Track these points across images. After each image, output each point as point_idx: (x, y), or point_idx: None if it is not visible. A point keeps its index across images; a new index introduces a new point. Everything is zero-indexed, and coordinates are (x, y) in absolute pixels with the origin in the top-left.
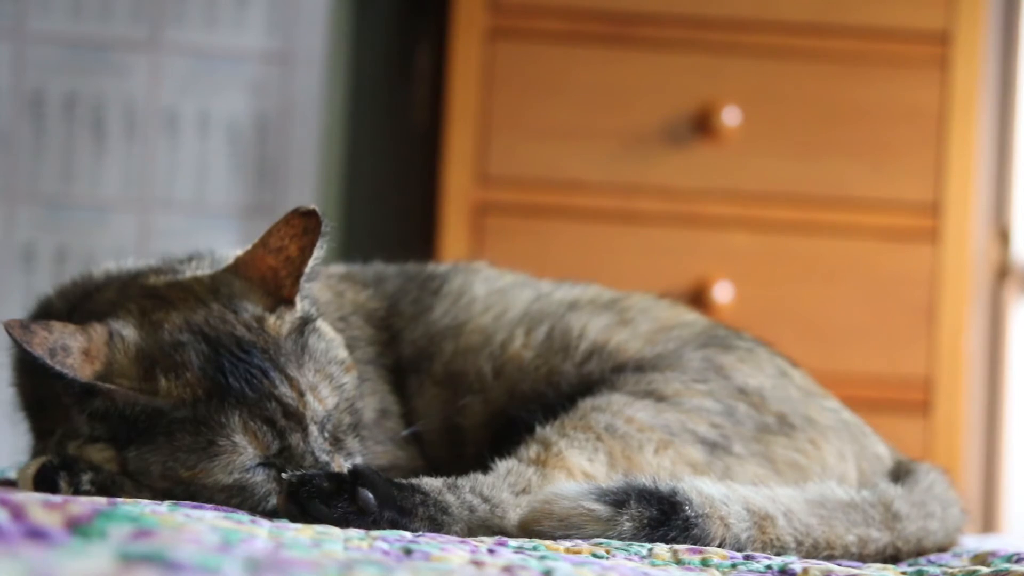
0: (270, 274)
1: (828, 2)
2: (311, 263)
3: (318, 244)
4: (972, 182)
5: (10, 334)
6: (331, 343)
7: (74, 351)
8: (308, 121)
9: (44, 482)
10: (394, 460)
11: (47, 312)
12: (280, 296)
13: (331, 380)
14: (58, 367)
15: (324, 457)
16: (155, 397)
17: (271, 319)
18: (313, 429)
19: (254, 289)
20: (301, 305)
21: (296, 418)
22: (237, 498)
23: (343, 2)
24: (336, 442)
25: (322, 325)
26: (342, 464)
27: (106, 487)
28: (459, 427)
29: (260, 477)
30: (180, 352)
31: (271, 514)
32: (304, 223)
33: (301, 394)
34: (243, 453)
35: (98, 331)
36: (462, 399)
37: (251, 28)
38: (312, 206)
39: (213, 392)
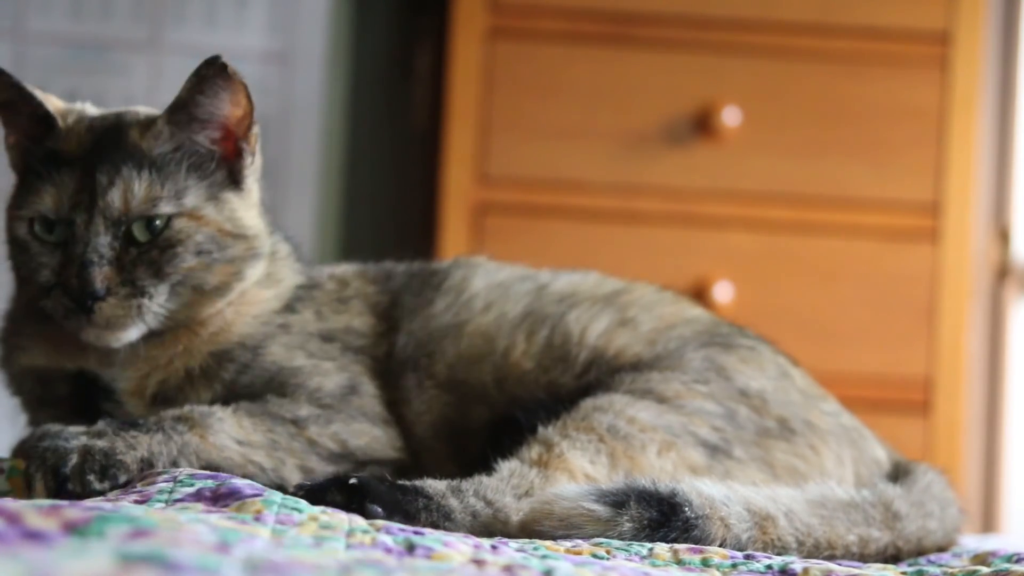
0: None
1: (828, 2)
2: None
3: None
4: (972, 182)
5: None
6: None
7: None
8: (308, 121)
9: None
10: (372, 438)
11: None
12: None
13: (163, 200)
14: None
15: (94, 256)
16: (59, 140)
17: (145, 136)
18: (99, 222)
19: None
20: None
21: (89, 202)
22: (21, 254)
23: (343, 2)
24: (139, 270)
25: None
26: (83, 283)
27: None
28: (464, 429)
29: (39, 247)
30: (80, 128)
31: None
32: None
33: (111, 184)
34: (40, 204)
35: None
36: (467, 407)
37: (251, 28)
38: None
39: (69, 150)
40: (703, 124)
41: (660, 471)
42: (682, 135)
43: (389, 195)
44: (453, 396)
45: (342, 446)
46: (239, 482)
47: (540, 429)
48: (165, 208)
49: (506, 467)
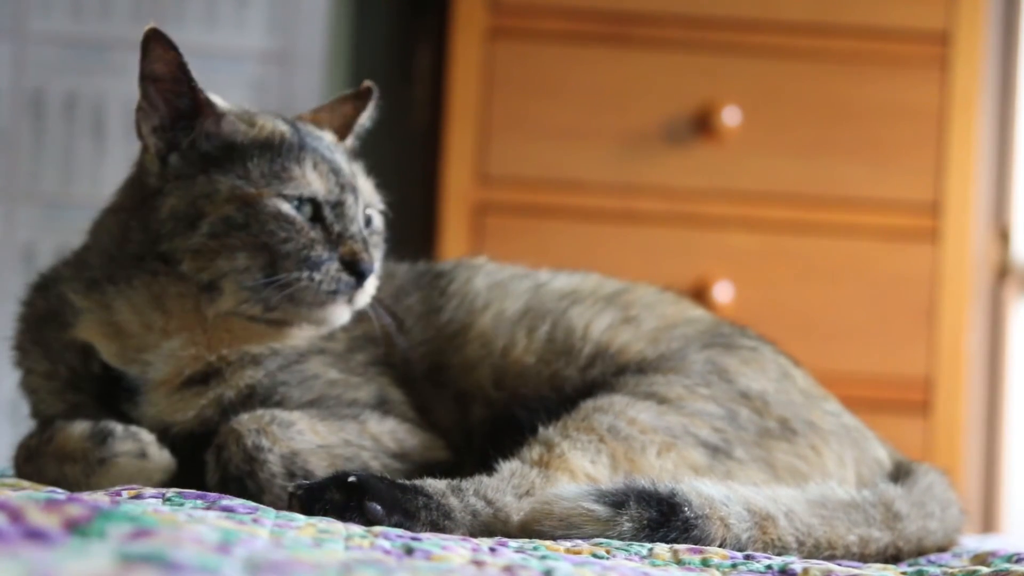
0: (326, 122)
1: (828, 2)
2: (363, 116)
3: (369, 106)
4: (972, 182)
5: (150, 37)
6: None
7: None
8: None
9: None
10: (422, 438)
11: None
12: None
13: (376, 196)
14: (193, 76)
15: (366, 234)
16: (252, 128)
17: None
18: (361, 205)
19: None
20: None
21: (351, 185)
22: (285, 231)
23: (343, 2)
24: (374, 253)
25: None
26: (370, 258)
27: None
28: (468, 431)
29: (308, 220)
30: (273, 120)
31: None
32: (357, 92)
33: (354, 173)
34: (310, 185)
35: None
36: (469, 411)
37: (251, 28)
38: (366, 83)
39: (295, 141)
40: (703, 124)
41: (661, 471)
42: (682, 135)
43: (389, 195)
44: (461, 406)
45: (399, 445)
46: (233, 501)
47: (541, 429)
48: (379, 201)
49: (507, 467)
